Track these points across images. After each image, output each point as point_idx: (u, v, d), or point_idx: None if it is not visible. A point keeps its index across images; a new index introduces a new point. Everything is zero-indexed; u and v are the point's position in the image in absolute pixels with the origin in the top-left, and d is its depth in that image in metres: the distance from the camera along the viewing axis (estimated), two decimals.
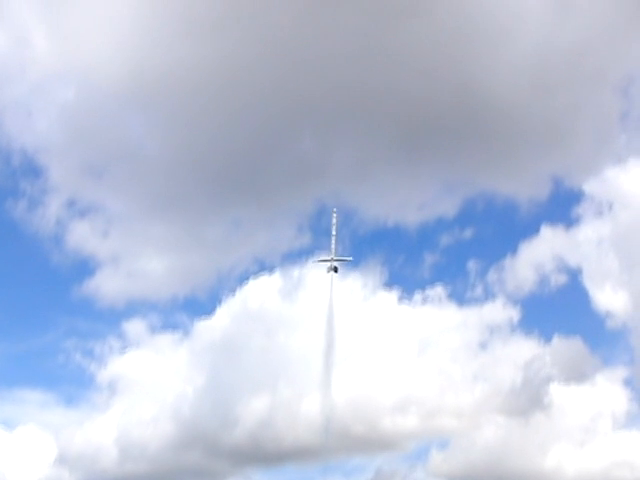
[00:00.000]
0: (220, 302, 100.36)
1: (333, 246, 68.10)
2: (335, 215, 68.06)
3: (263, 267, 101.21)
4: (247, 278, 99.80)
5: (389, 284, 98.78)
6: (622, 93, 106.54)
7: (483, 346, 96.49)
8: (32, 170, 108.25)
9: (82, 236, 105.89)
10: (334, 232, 67.76)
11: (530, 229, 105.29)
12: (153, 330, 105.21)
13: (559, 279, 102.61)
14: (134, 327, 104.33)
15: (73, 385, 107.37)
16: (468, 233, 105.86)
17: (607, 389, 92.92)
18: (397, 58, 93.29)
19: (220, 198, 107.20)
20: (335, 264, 67.95)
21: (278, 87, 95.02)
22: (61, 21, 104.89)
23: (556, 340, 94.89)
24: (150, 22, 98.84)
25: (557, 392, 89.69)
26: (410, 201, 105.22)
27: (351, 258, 69.80)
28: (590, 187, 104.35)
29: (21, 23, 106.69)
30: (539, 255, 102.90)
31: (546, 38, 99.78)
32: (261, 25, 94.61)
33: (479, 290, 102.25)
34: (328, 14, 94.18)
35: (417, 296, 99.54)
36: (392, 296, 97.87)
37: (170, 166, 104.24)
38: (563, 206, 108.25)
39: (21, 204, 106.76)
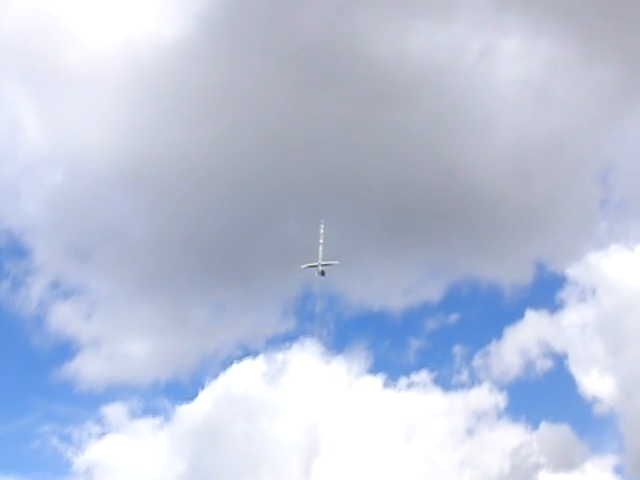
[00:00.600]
0: (203, 386, 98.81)
1: (320, 252, 72.69)
2: (323, 225, 72.73)
3: (247, 351, 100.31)
4: (231, 362, 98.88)
5: (374, 369, 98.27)
6: (601, 181, 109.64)
7: (470, 432, 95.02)
8: (17, 251, 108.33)
9: (64, 318, 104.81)
10: (322, 240, 72.57)
11: (515, 314, 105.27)
12: (133, 415, 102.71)
13: (545, 364, 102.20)
14: (114, 411, 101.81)
15: (49, 471, 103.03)
16: (453, 318, 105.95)
17: (597, 477, 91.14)
18: (382, 145, 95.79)
19: (205, 281, 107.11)
20: (322, 268, 72.25)
21: (264, 171, 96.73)
22: (53, 106, 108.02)
23: (544, 427, 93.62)
24: (138, 107, 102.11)
25: None
26: (395, 286, 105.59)
27: (337, 262, 72.94)
28: (573, 272, 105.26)
29: (14, 107, 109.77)
30: (524, 340, 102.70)
31: (526, 127, 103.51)
32: (248, 112, 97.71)
33: (465, 375, 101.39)
34: (314, 101, 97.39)
35: (402, 381, 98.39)
36: (377, 381, 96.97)
37: (155, 249, 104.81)
38: (547, 291, 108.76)
39: (4, 285, 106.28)
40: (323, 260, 73.25)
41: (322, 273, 72.84)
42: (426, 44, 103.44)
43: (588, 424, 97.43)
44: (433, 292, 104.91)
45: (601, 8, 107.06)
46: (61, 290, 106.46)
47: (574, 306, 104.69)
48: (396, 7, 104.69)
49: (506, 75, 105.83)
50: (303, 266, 75.02)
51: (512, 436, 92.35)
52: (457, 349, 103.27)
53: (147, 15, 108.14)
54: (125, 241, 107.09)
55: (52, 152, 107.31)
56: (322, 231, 72.74)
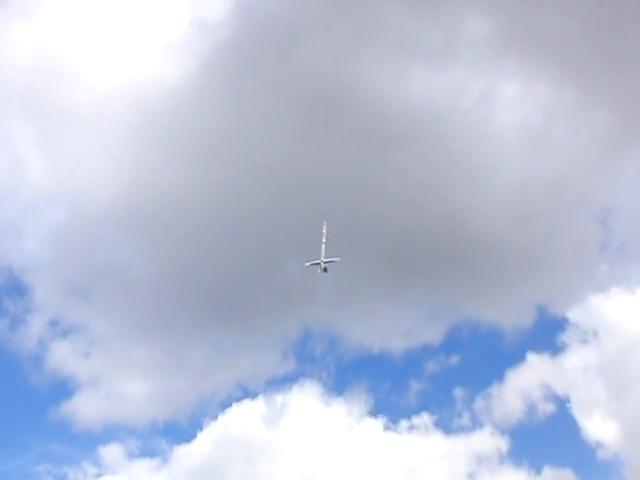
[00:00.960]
0: (201, 428, 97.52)
1: (323, 250, 76.91)
2: (325, 225, 76.74)
3: (246, 393, 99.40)
4: (230, 403, 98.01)
5: (374, 412, 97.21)
6: (601, 224, 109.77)
7: (471, 477, 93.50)
8: (17, 289, 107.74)
9: (63, 356, 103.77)
10: (324, 240, 76.87)
11: (516, 356, 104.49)
12: (130, 456, 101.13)
13: (547, 408, 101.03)
14: (111, 452, 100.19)
15: None
16: (454, 360, 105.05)
17: None
18: (382, 187, 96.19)
19: (204, 321, 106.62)
20: (325, 265, 76.77)
21: (264, 212, 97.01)
22: (56, 145, 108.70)
23: (547, 472, 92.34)
24: (141, 147, 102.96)
25: None
26: (395, 328, 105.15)
27: (339, 259, 77.00)
28: (574, 315, 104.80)
29: (17, 145, 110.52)
30: (526, 383, 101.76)
31: (525, 170, 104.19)
32: (250, 152, 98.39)
33: (466, 418, 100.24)
34: (315, 143, 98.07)
35: (403, 424, 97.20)
36: (378, 424, 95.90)
37: (155, 288, 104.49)
38: (548, 333, 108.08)
39: (3, 323, 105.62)
40: (325, 258, 77.57)
41: (325, 270, 76.98)
42: (426, 87, 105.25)
43: (592, 469, 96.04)
44: (433, 334, 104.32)
45: (598, 52, 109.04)
46: (60, 328, 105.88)
47: (576, 349, 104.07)
48: (396, 51, 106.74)
49: (505, 119, 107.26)
50: (307, 264, 78.39)
51: None
52: (458, 392, 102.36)
53: (151, 57, 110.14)
54: (125, 280, 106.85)
55: (54, 190, 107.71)
56: (325, 231, 76.83)
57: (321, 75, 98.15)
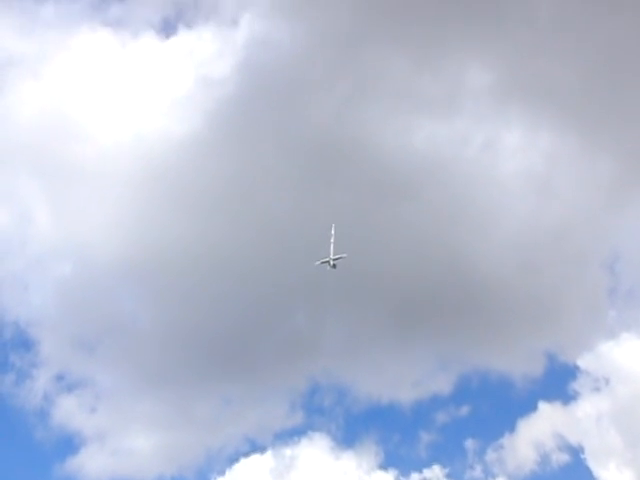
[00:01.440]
0: None
1: (332, 249, 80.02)
2: (333, 227, 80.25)
3: (254, 446, 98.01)
4: (237, 458, 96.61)
5: (385, 464, 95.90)
6: (608, 269, 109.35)
7: None
8: (23, 343, 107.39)
9: (69, 411, 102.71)
10: (332, 240, 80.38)
11: (527, 406, 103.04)
12: None
13: (560, 458, 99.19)
14: None
15: None
16: (464, 410, 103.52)
17: None
18: (388, 237, 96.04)
19: (211, 375, 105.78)
20: (334, 262, 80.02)
21: (270, 264, 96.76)
22: (63, 199, 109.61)
23: None
24: (147, 202, 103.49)
25: None
26: (404, 378, 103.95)
27: (345, 255, 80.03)
28: (585, 362, 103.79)
29: (25, 200, 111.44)
30: (538, 433, 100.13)
31: (530, 218, 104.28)
32: (255, 205, 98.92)
33: (478, 470, 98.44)
34: (320, 194, 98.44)
35: (414, 477, 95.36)
36: (388, 477, 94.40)
37: (161, 342, 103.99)
38: (559, 382, 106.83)
39: (9, 377, 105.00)
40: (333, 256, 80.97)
41: (334, 266, 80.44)
42: (429, 138, 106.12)
43: None
44: (443, 384, 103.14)
45: (599, 100, 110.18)
46: (66, 383, 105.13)
47: (588, 397, 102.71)
48: (400, 103, 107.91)
49: (508, 167, 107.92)
50: (317, 262, 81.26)
51: None
52: (469, 443, 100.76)
53: (157, 113, 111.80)
54: (131, 334, 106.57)
55: (61, 244, 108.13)
56: (333, 232, 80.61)
57: (325, 128, 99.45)
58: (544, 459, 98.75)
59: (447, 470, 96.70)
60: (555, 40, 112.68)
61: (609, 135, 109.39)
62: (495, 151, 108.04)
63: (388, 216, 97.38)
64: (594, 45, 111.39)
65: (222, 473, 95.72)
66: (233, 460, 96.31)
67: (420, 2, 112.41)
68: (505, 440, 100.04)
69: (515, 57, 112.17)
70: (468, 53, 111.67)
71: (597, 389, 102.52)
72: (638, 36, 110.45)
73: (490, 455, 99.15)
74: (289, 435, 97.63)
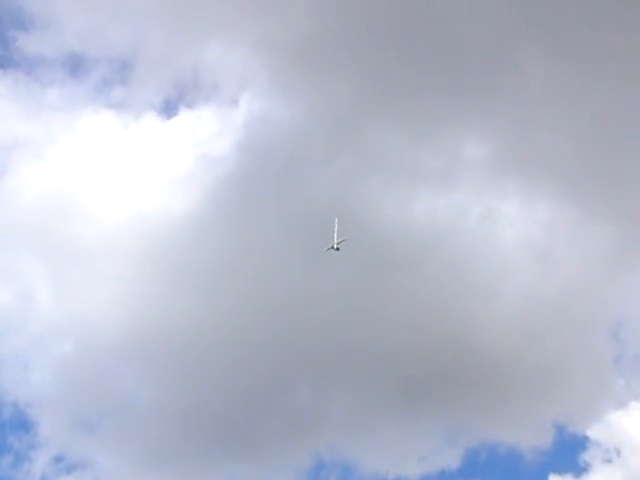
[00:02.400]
0: None
1: (335, 237, 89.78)
2: (337, 221, 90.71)
3: None
4: None
5: None
6: (613, 336, 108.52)
7: None
8: (22, 424, 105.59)
9: None
10: (336, 229, 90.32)
11: (537, 478, 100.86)
12: None
13: None
14: None
15: None
16: None
17: None
18: (390, 310, 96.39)
19: (213, 453, 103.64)
20: (337, 246, 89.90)
21: (273, 340, 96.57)
22: (64, 278, 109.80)
23: None
24: (148, 279, 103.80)
25: None
26: (411, 453, 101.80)
27: (345, 238, 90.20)
28: (594, 433, 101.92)
29: (26, 279, 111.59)
30: None
31: (532, 287, 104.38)
32: (256, 281, 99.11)
33: None
34: (322, 270, 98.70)
35: None
36: None
37: (162, 420, 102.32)
38: (569, 453, 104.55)
39: (6, 460, 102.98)
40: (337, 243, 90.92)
41: (337, 249, 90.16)
42: (429, 210, 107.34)
43: None
44: (450, 458, 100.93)
45: (595, 169, 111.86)
46: (65, 464, 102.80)
47: (599, 468, 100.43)
48: (398, 175, 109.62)
49: (508, 237, 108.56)
50: (325, 249, 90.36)
51: None
52: None
53: (158, 191, 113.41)
54: (131, 412, 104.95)
55: (62, 323, 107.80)
56: (336, 225, 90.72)
57: (325, 202, 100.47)
58: None
59: None
60: (550, 111, 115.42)
61: (607, 203, 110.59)
62: (494, 222, 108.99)
63: (390, 288, 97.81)
64: (588, 115, 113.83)
65: None
66: None
67: (416, 77, 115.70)
68: None
69: (511, 129, 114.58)
70: (464, 126, 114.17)
71: (608, 460, 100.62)
72: (632, 104, 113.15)
73: None
74: None
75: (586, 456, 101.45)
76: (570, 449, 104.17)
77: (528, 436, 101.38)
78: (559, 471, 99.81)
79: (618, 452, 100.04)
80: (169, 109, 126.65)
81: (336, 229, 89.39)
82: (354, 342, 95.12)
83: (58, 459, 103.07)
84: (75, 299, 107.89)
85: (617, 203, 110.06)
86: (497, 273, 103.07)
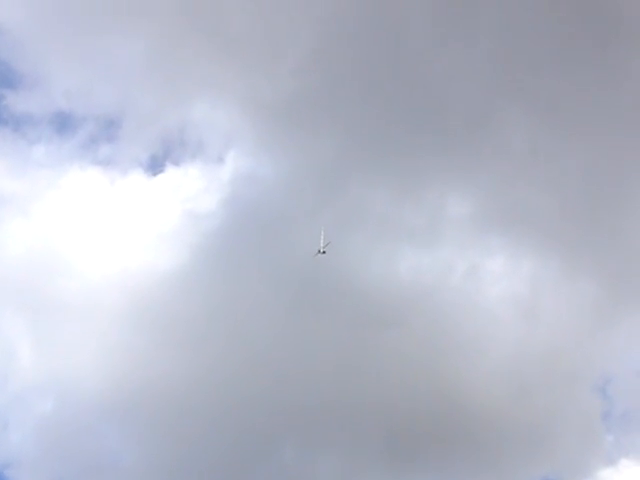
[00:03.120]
0: None
1: (321, 242, 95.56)
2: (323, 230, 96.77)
3: None
4: None
5: None
6: (601, 393, 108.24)
7: None
8: None
9: None
10: (322, 235, 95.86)
11: None
12: None
13: None
14: None
15: None
16: None
17: None
18: (375, 368, 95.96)
19: None
20: (323, 249, 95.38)
21: (258, 398, 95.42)
22: (48, 335, 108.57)
23: None
24: (132, 337, 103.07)
25: None
26: None
27: (330, 241, 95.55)
28: None
29: (9, 335, 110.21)
30: None
31: (518, 343, 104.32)
32: (241, 338, 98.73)
33: None
34: (307, 326, 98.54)
35: None
36: None
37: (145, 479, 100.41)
38: None
39: None
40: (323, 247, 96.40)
41: (324, 252, 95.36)
42: (413, 266, 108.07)
43: None
44: None
45: (577, 224, 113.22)
46: None
47: None
48: (383, 232, 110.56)
49: (493, 293, 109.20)
50: (313, 256, 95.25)
51: None
52: None
53: (144, 247, 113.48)
54: (114, 472, 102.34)
55: (44, 380, 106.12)
56: (322, 233, 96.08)
57: (309, 259, 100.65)
58: None
59: None
60: (531, 167, 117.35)
61: (591, 258, 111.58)
62: (479, 278, 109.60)
63: (375, 345, 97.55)
64: (571, 171, 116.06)
65: None
66: None
67: (400, 135, 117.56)
68: None
69: (494, 185, 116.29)
70: (448, 183, 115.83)
71: None
72: (614, 161, 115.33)
73: None
74: None
75: None
76: None
77: None
78: None
79: None
80: (155, 166, 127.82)
81: (322, 236, 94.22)
82: (339, 399, 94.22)
83: None
84: (57, 356, 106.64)
85: (601, 258, 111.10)
86: (483, 329, 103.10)
